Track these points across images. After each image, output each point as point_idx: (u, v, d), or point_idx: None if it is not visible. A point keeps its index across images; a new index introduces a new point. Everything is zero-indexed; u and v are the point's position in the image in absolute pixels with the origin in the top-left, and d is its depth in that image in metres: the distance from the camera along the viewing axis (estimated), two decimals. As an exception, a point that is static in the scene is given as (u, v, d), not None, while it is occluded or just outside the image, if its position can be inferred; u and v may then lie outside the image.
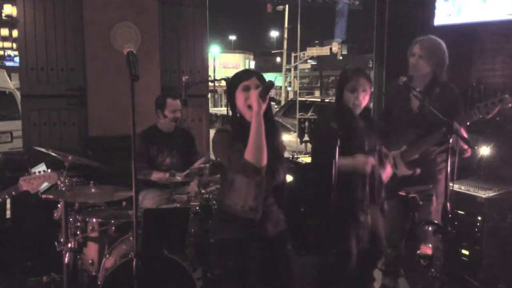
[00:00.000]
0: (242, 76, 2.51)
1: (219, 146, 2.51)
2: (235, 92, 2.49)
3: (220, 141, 2.50)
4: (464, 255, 3.82)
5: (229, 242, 2.56)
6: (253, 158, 2.34)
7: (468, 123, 3.04)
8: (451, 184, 2.78)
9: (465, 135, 3.01)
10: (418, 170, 3.23)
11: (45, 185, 3.46)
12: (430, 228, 2.83)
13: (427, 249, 2.88)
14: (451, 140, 2.58)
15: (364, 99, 2.95)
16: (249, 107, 2.41)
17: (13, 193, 2.95)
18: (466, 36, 4.94)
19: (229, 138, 2.47)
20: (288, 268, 2.65)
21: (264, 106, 2.34)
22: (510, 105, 2.90)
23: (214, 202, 3.67)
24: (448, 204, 2.54)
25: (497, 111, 2.95)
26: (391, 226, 3.44)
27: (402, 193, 2.96)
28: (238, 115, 2.52)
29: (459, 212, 3.84)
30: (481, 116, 2.97)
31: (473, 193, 3.83)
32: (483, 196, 3.75)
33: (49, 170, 3.15)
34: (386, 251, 3.59)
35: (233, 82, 2.52)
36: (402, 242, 3.60)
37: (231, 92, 2.53)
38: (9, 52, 20.00)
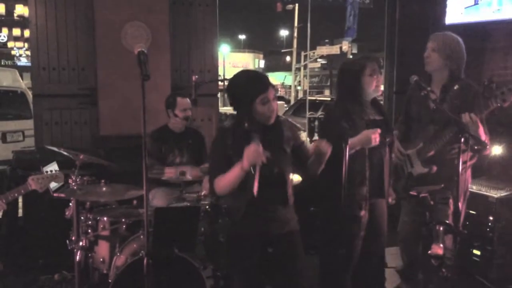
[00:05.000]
0: (258, 88, 2.45)
1: (211, 149, 2.67)
2: (254, 104, 2.44)
3: (213, 145, 2.64)
4: (476, 255, 3.80)
5: (231, 241, 2.62)
6: (220, 190, 2.50)
7: (485, 113, 2.99)
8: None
9: (482, 129, 2.95)
10: (435, 168, 3.18)
11: (54, 184, 3.49)
12: (441, 228, 2.80)
13: (438, 249, 2.86)
14: (462, 140, 2.56)
15: (380, 83, 2.99)
16: (271, 112, 2.47)
17: (22, 191, 3.03)
18: (478, 35, 4.91)
19: (219, 145, 2.55)
20: (295, 268, 2.64)
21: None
22: None
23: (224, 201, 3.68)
24: (460, 204, 2.52)
25: None
26: (408, 230, 3.42)
27: (413, 193, 2.94)
28: (250, 119, 2.47)
29: (471, 212, 3.81)
30: (498, 105, 2.91)
31: (484, 193, 3.80)
32: (495, 195, 3.72)
33: (56, 170, 3.20)
34: (403, 256, 3.57)
35: (249, 93, 2.46)
36: (419, 246, 3.57)
37: (246, 102, 2.47)
38: (21, 51, 20.17)
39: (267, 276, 2.67)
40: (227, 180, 2.42)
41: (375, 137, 2.82)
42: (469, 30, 4.84)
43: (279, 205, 2.58)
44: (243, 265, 2.57)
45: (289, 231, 2.62)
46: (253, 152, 2.29)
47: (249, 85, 2.49)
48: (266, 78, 2.53)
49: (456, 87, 3.21)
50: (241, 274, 2.60)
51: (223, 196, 2.58)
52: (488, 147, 3.06)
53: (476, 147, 2.98)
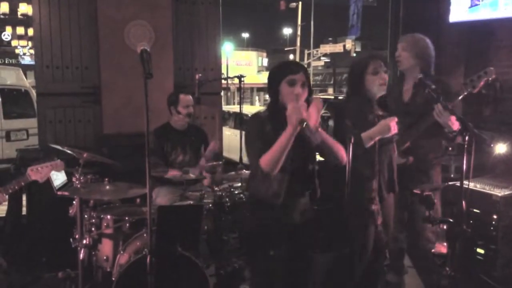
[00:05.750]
0: (288, 69, 2.50)
1: (247, 136, 2.60)
2: (280, 85, 2.49)
3: (250, 131, 2.59)
4: (480, 254, 3.78)
5: (255, 232, 2.61)
6: (267, 166, 2.40)
7: (457, 100, 3.14)
8: (466, 182, 2.76)
9: (454, 117, 3.02)
10: (411, 159, 3.27)
11: (58, 182, 3.51)
12: (445, 227, 2.80)
13: (442, 248, 2.86)
14: (467, 139, 2.56)
15: (386, 80, 2.96)
16: (297, 96, 2.43)
17: (22, 183, 3.02)
18: (482, 33, 4.89)
19: (258, 129, 2.51)
20: (309, 258, 2.70)
21: (298, 129, 2.33)
22: (494, 76, 3.04)
23: (227, 199, 3.68)
24: (463, 202, 2.52)
25: (484, 85, 3.09)
26: (396, 224, 3.46)
27: (416, 191, 2.94)
28: (279, 102, 2.51)
29: (475, 210, 3.80)
30: (469, 90, 3.09)
31: (488, 191, 3.78)
32: (499, 194, 3.71)
33: (57, 160, 3.20)
34: (392, 248, 3.62)
35: (277, 74, 2.52)
36: (402, 234, 3.63)
37: (274, 84, 2.52)
38: (24, 50, 20.23)
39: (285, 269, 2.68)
40: (275, 150, 2.37)
41: (393, 124, 2.83)
42: (473, 28, 4.84)
43: (308, 198, 2.62)
44: (264, 261, 2.58)
45: (308, 219, 2.65)
46: (294, 109, 2.31)
47: (280, 66, 2.57)
48: (300, 65, 2.58)
49: (427, 82, 3.31)
50: (262, 270, 2.62)
51: (255, 186, 2.55)
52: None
53: (450, 135, 3.11)
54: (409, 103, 3.40)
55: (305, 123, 2.29)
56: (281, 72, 2.51)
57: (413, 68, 3.41)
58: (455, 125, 3.02)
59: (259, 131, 2.50)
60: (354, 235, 2.87)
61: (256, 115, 2.63)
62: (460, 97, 3.13)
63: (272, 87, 2.56)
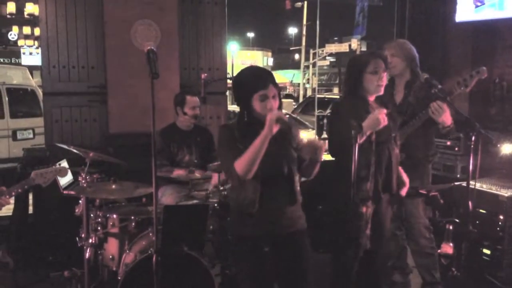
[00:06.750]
0: (258, 84, 2.43)
1: (219, 147, 2.59)
2: (251, 100, 2.44)
3: (221, 139, 2.56)
4: (486, 254, 3.77)
5: (242, 241, 2.57)
6: (242, 170, 2.38)
7: (450, 98, 3.17)
8: (472, 182, 2.75)
9: (447, 113, 3.15)
10: (403, 155, 3.25)
11: (64, 181, 3.52)
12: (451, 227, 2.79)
13: (448, 248, 2.85)
14: (473, 138, 2.55)
15: (384, 81, 2.91)
16: (270, 110, 2.41)
17: (26, 186, 2.97)
18: (488, 33, 4.87)
19: (228, 137, 2.50)
20: (303, 267, 2.62)
21: (275, 130, 2.33)
22: (486, 75, 3.10)
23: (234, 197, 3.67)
24: (470, 202, 2.51)
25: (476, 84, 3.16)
26: None
27: (422, 191, 2.94)
28: (249, 115, 2.48)
29: (481, 211, 3.79)
30: (462, 88, 3.15)
31: (495, 192, 3.77)
32: (505, 194, 3.70)
33: (62, 164, 3.20)
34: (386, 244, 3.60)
35: (248, 90, 2.45)
36: (401, 231, 3.63)
37: (244, 99, 2.48)
38: (31, 50, 20.29)
39: (275, 276, 2.65)
40: (249, 152, 2.35)
41: (383, 116, 2.74)
42: (479, 28, 4.81)
43: (287, 204, 2.56)
44: (250, 266, 2.55)
45: (296, 230, 2.60)
46: (270, 120, 2.30)
47: (249, 81, 2.48)
48: (269, 75, 2.49)
49: (418, 82, 3.46)
50: (249, 275, 2.57)
51: (232, 197, 2.52)
52: (449, 124, 3.21)
53: (444, 130, 3.22)
54: (402, 103, 3.48)
55: (281, 121, 2.30)
56: (251, 87, 2.44)
57: (404, 71, 3.52)
58: (449, 120, 3.16)
59: (230, 139, 2.48)
60: (343, 235, 2.85)
61: (225, 125, 2.64)
62: (452, 95, 3.19)
63: (241, 101, 2.51)
